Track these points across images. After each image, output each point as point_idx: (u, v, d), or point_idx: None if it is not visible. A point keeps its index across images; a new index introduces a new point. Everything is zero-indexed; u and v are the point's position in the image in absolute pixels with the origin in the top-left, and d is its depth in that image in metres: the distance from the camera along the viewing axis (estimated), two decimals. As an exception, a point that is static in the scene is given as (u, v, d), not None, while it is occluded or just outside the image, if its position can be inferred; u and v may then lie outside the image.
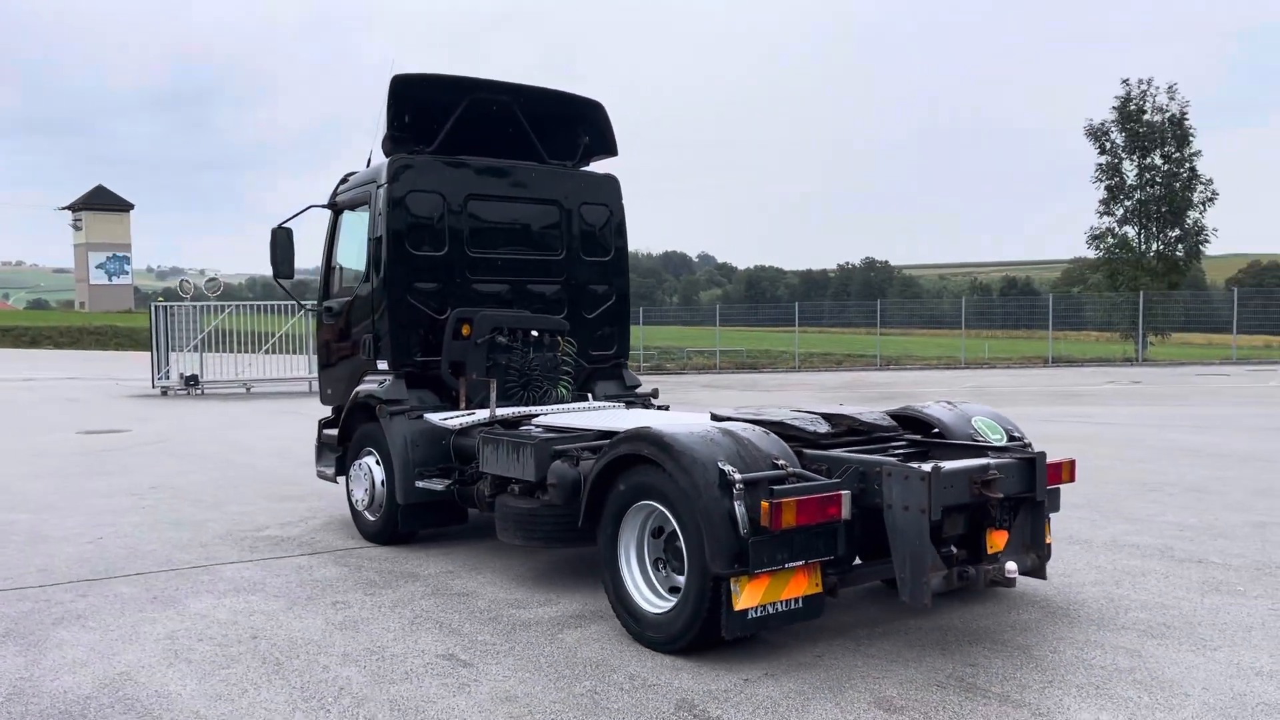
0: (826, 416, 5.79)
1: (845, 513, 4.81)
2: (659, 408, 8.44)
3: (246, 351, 27.05)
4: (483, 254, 8.12)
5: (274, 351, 27.36)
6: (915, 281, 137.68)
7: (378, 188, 7.82)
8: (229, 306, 27.56)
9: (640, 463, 5.16)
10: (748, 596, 4.68)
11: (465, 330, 7.81)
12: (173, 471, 12.01)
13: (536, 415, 7.41)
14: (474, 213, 8.09)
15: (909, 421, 6.09)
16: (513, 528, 6.29)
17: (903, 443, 5.82)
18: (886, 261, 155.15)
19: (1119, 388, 24.52)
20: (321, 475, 8.61)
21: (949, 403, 6.27)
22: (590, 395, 8.39)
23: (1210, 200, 37.82)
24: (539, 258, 8.44)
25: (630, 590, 5.30)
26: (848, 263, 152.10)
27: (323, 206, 8.62)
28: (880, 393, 23.55)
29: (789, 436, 5.45)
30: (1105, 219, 39.15)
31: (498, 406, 7.35)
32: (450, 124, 8.12)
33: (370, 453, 7.80)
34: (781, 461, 4.97)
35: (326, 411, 8.96)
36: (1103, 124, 38.62)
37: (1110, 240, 39.17)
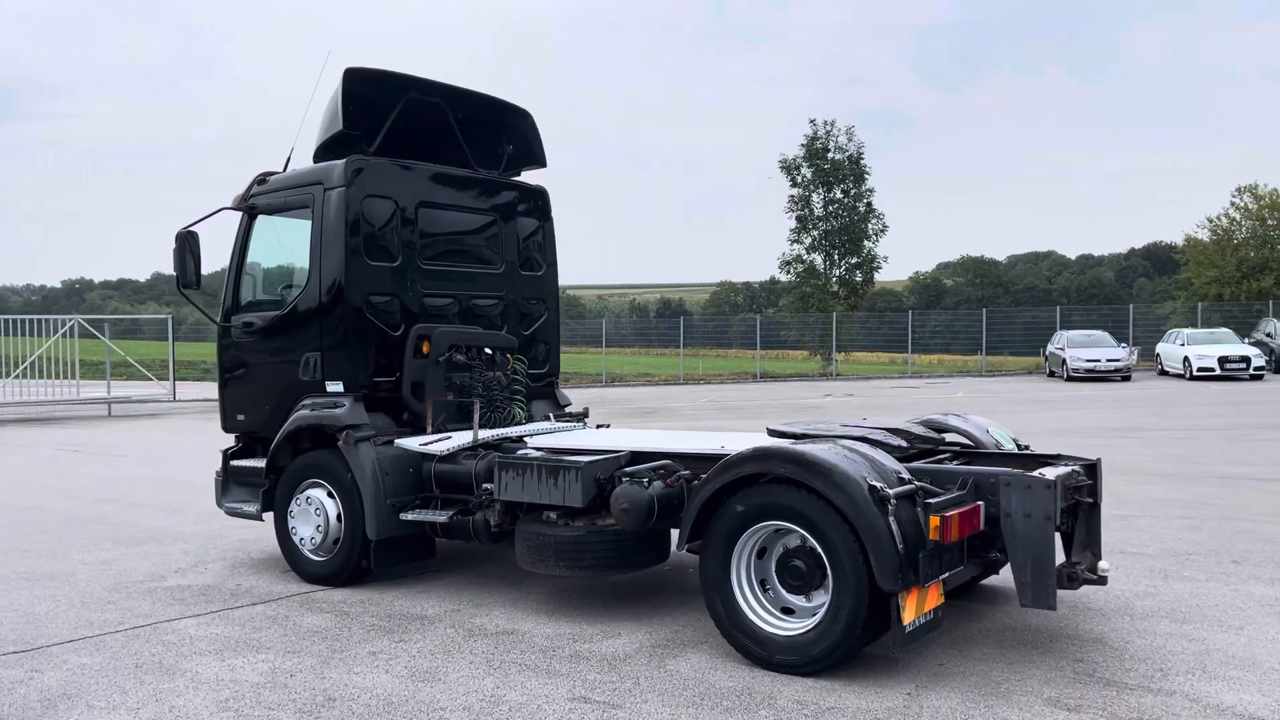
0: (891, 430, 5.96)
1: (982, 524, 5.02)
2: (599, 426, 8.24)
3: None
4: (433, 266, 7.55)
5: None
6: (579, 300, 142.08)
7: (326, 190, 7.05)
8: None
9: (770, 481, 5.06)
10: (909, 611, 4.74)
11: (425, 348, 7.23)
12: (-62, 517, 10.01)
13: (522, 438, 7.02)
14: (423, 221, 7.51)
15: (935, 432, 6.40)
16: (553, 557, 5.92)
17: (947, 453, 6.11)
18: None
19: (837, 399, 26.72)
20: (234, 513, 7.56)
21: (957, 414, 6.67)
22: (550, 416, 8.02)
23: (882, 232, 42.44)
24: (481, 271, 7.98)
25: (748, 614, 5.17)
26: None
27: (236, 209, 7.61)
28: (638, 408, 24.15)
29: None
30: (795, 246, 42.74)
31: (476, 429, 6.88)
32: (388, 125, 7.51)
33: (319, 485, 6.99)
34: (905, 476, 5.08)
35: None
36: (794, 159, 42.19)
37: (799, 266, 42.78)
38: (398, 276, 7.30)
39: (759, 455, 5.13)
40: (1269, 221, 46.61)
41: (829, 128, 41.83)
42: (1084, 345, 33.73)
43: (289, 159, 7.66)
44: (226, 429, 7.85)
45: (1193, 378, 30.96)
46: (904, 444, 5.78)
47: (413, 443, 6.84)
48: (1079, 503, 5.42)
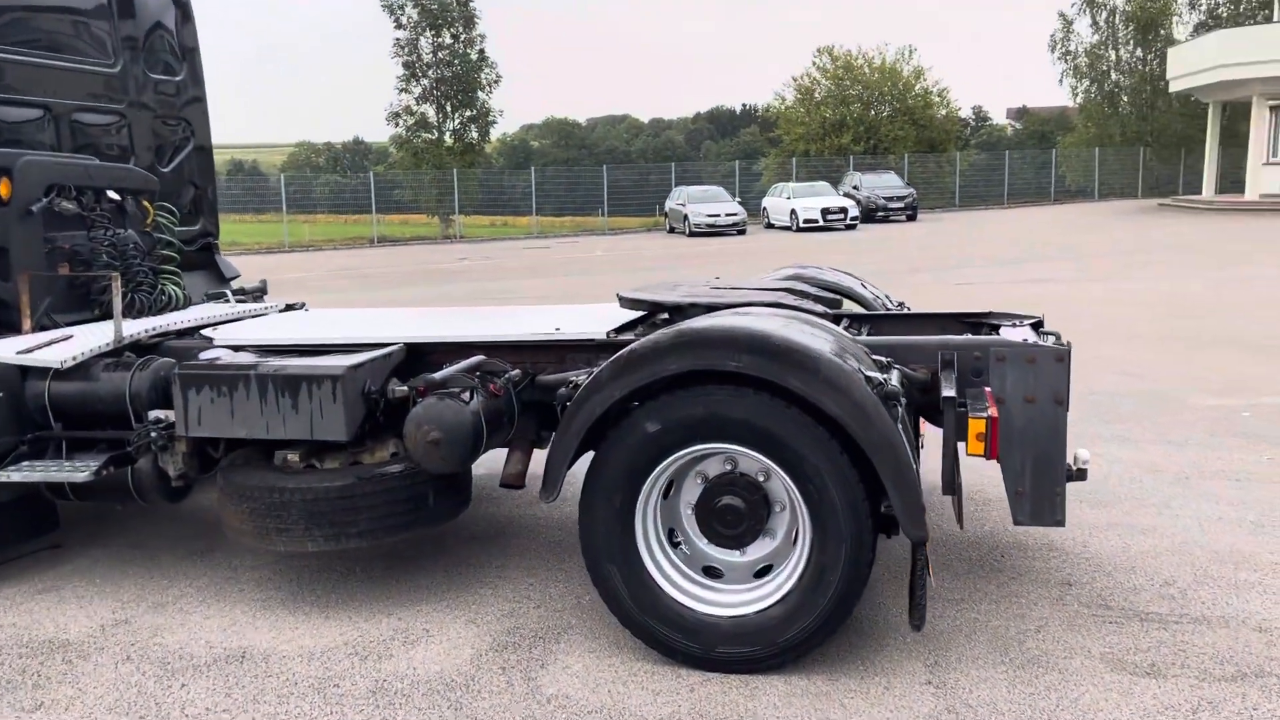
0: (788, 292, 4.21)
1: (991, 419, 3.47)
2: (288, 307, 5.74)
3: None
4: (2, 54, 4.57)
5: None
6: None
7: None
8: None
9: (708, 381, 3.13)
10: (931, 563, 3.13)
11: (5, 190, 4.35)
12: None
13: (197, 329, 4.49)
14: (-22, -24, 4.48)
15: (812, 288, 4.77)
16: (301, 523, 3.63)
17: (846, 318, 4.50)
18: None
19: (477, 263, 24.75)
20: None
21: (818, 267, 5.11)
22: (227, 295, 5.39)
23: (496, 82, 39.96)
24: (87, 68, 5.06)
25: (667, 590, 3.29)
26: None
27: None
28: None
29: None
30: (404, 96, 39.05)
31: (119, 321, 4.24)
32: None
33: None
34: (881, 359, 3.40)
35: None
36: (399, -3, 38.06)
37: (409, 119, 39.28)
38: (-59, 68, 4.29)
39: (694, 341, 3.16)
40: (844, 81, 50.00)
41: (428, -37, 38.10)
42: (703, 201, 34.16)
43: None
44: None
45: (799, 229, 32.43)
46: (823, 309, 4.07)
47: (4, 350, 4.06)
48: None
